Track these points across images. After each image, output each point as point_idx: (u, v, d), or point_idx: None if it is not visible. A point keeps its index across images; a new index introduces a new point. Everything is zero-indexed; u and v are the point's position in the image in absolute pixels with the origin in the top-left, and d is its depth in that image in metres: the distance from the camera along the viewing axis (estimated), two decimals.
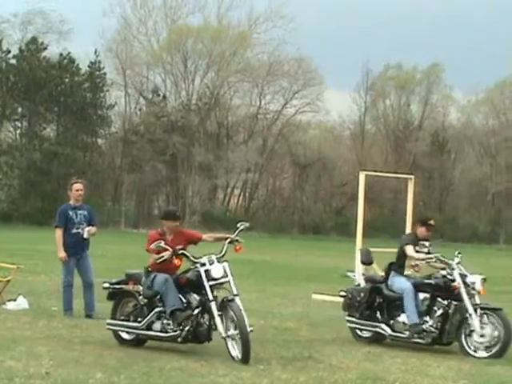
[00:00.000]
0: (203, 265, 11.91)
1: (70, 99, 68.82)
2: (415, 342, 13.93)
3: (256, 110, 74.48)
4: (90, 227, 16.68)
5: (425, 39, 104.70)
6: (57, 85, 69.03)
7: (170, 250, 12.18)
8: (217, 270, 11.82)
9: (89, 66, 70.36)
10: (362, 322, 14.62)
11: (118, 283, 13.15)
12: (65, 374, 10.47)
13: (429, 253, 14.53)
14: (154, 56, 73.12)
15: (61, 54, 69.24)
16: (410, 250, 14.29)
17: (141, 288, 12.76)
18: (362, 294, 14.54)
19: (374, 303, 14.50)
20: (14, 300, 17.61)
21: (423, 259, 14.35)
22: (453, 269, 13.64)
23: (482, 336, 13.16)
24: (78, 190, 16.63)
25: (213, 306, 11.78)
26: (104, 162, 71.71)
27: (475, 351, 13.17)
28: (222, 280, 11.85)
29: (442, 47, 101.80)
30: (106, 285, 13.14)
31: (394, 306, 14.26)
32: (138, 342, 12.73)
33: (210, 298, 11.81)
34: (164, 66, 72.87)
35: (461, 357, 13.20)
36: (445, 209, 71.84)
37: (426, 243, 14.62)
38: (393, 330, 14.06)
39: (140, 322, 12.56)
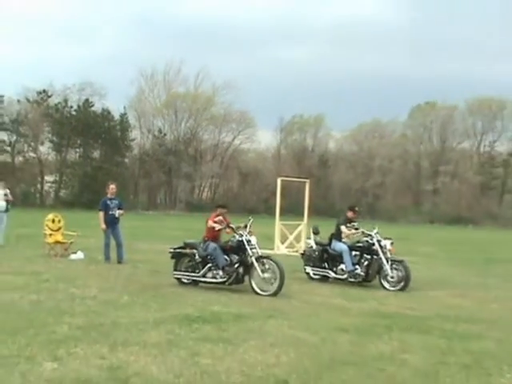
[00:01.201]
0: (241, 236, 13.75)
1: (108, 135, 73.45)
2: (350, 281, 15.57)
3: (217, 141, 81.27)
4: (120, 210, 18.36)
5: (313, 96, 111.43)
6: (100, 127, 73.15)
7: (225, 223, 14.10)
8: (253, 239, 13.69)
9: (120, 116, 75.53)
10: (315, 269, 16.30)
11: (178, 248, 14.58)
12: (105, 296, 12.00)
13: (356, 229, 16.21)
14: (158, 110, 79.86)
15: (102, 109, 74.21)
16: (343, 228, 16.06)
17: (195, 251, 14.20)
18: (316, 253, 16.31)
19: (323, 258, 16.28)
20: (75, 253, 19.03)
21: (353, 234, 16.14)
22: (372, 237, 15.47)
23: (392, 277, 15.04)
24: (112, 188, 18.57)
25: (253, 259, 13.39)
26: (128, 172, 75.87)
27: (389, 287, 15.03)
28: (254, 246, 13.64)
29: (326, 101, 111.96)
30: (171, 250, 14.61)
31: (335, 259, 16.02)
32: (194, 285, 14.17)
33: (251, 254, 13.45)
34: (163, 116, 79.87)
35: (341, 284, 15.42)
36: (327, 198, 78.21)
37: (355, 223, 16.36)
38: (335, 274, 15.90)
39: (197, 272, 14.05)
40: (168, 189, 79.83)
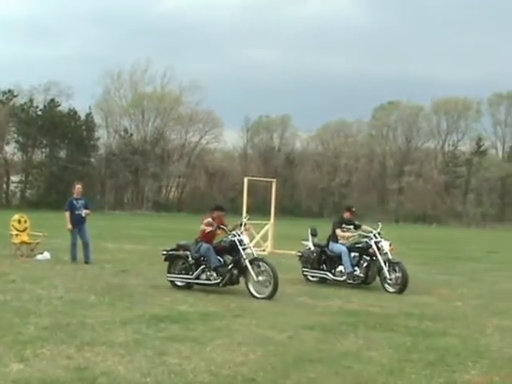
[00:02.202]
0: (234, 236, 13.55)
1: (74, 135, 73.47)
2: (349, 283, 15.29)
3: (183, 141, 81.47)
4: (86, 210, 18.21)
5: (279, 96, 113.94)
6: (66, 127, 73.27)
7: (215, 225, 13.84)
8: (245, 239, 13.54)
9: (86, 115, 75.63)
10: (313, 271, 16.07)
11: (171, 250, 14.33)
12: (72, 296, 11.95)
13: (358, 227, 16.12)
14: (124, 110, 80.00)
15: (69, 108, 74.42)
16: (338, 232, 15.86)
17: (188, 253, 13.90)
18: (314, 254, 16.02)
19: (321, 259, 15.99)
20: (41, 253, 18.87)
21: (349, 237, 15.94)
22: (371, 239, 15.14)
23: (390, 280, 14.77)
24: (78, 188, 18.40)
25: (247, 261, 13.15)
26: (95, 172, 76.03)
27: (389, 288, 14.75)
28: (247, 246, 13.47)
29: (292, 101, 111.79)
30: (164, 252, 14.39)
31: (333, 261, 15.71)
32: (188, 287, 13.85)
33: (244, 256, 13.22)
34: (130, 116, 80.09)
35: (308, 284, 15.48)
36: (293, 197, 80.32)
37: (350, 227, 16.10)
38: (334, 276, 15.61)
39: (191, 274, 13.72)
40: (135, 188, 79.84)
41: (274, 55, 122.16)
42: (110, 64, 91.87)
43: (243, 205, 25.80)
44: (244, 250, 13.44)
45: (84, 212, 18.15)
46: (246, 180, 26.80)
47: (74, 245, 18.14)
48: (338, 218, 16.39)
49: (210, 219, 13.94)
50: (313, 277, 16.21)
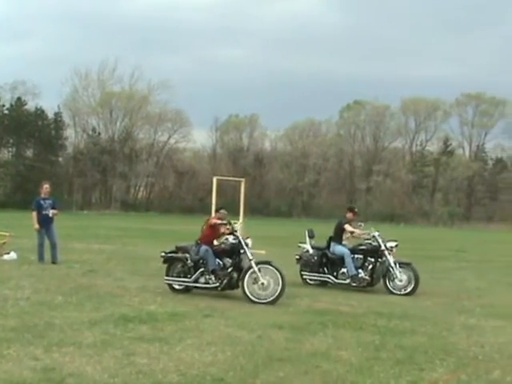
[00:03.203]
0: (237, 238, 13.17)
1: (41, 134, 72.74)
2: (353, 286, 15.02)
3: (152, 140, 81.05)
4: (53, 210, 17.98)
5: (248, 95, 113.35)
6: (33, 126, 72.58)
7: (226, 222, 13.62)
8: (249, 242, 13.13)
9: (54, 115, 74.97)
10: (313, 274, 15.68)
11: (170, 252, 13.90)
12: (39, 297, 11.80)
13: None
14: (93, 109, 79.17)
15: (36, 107, 73.56)
16: (349, 227, 15.52)
17: (187, 255, 13.51)
18: (316, 257, 15.65)
19: (322, 262, 15.63)
20: (8, 253, 18.66)
21: (359, 234, 15.66)
22: (376, 239, 15.05)
23: (400, 281, 14.58)
24: (45, 188, 18.18)
25: (253, 263, 12.72)
26: (62, 172, 75.39)
27: (396, 291, 14.59)
28: (250, 249, 12.97)
29: (261, 100, 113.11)
30: (163, 254, 13.93)
31: (335, 264, 15.41)
32: (186, 291, 13.53)
33: (250, 257, 12.78)
34: (98, 115, 79.21)
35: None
36: (262, 197, 79.50)
37: (359, 223, 16.02)
38: (337, 279, 15.28)
39: (189, 277, 13.33)
40: (103, 188, 79.49)
41: (243, 55, 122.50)
42: (79, 63, 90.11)
43: (212, 204, 25.46)
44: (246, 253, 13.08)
45: (51, 212, 17.93)
46: (214, 179, 26.85)
47: (41, 245, 17.96)
48: (342, 219, 15.94)
49: (219, 216, 13.85)
50: (312, 280, 15.85)
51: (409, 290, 14.55)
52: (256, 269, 12.70)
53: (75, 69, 79.71)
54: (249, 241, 13.18)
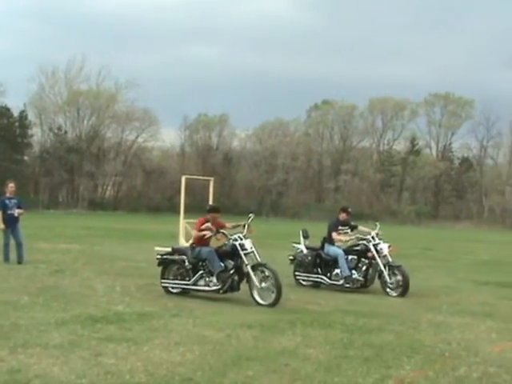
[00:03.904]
0: (236, 240, 12.63)
1: (7, 133, 71.46)
2: (346, 287, 14.89)
3: (120, 139, 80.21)
4: (19, 209, 17.86)
5: (218, 94, 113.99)
6: None
7: (215, 230, 12.89)
8: (247, 244, 12.56)
9: (19, 113, 73.88)
10: (306, 275, 15.52)
11: (165, 254, 13.59)
12: (5, 297, 11.65)
13: (354, 228, 15.78)
14: (59, 108, 78.36)
15: (0, 105, 72.30)
16: (335, 236, 15.35)
17: (184, 257, 13.09)
18: (309, 258, 15.48)
19: (316, 263, 15.46)
20: None
21: (346, 241, 15.45)
22: (369, 241, 14.82)
23: (391, 283, 14.44)
24: (11, 187, 17.99)
25: (248, 267, 12.42)
26: (28, 171, 74.41)
27: (389, 292, 14.46)
28: (250, 251, 12.53)
29: (231, 100, 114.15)
30: (158, 256, 13.58)
31: (328, 264, 15.26)
32: (183, 294, 13.15)
33: (246, 262, 12.44)
34: (65, 113, 78.38)
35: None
36: (231, 196, 79.01)
37: (346, 228, 15.62)
38: (330, 280, 15.15)
39: (188, 280, 12.96)
40: (70, 187, 78.65)
41: (212, 53, 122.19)
42: (45, 61, 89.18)
43: (181, 203, 25.77)
44: (246, 255, 12.64)
45: (17, 211, 17.78)
46: (183, 178, 26.89)
47: (6, 245, 17.77)
48: (334, 220, 15.83)
49: (208, 224, 13.04)
50: (306, 281, 15.67)
51: (400, 291, 14.41)
52: (251, 273, 12.46)
53: (42, 67, 78.83)
54: (247, 242, 12.74)
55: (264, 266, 12.56)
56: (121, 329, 9.58)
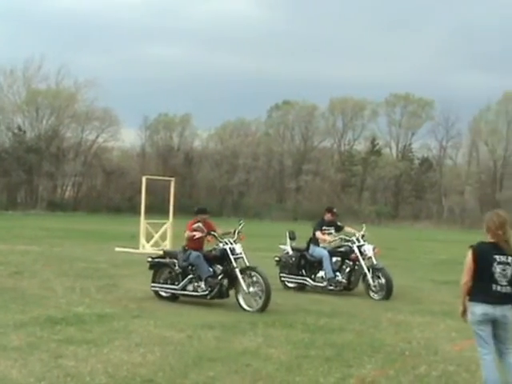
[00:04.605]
0: (226, 244, 12.44)
1: None
2: (330, 289, 14.63)
3: (80, 139, 79.22)
4: None
5: (179, 94, 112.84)
6: None
7: (206, 230, 12.64)
8: (238, 248, 12.39)
9: None
10: (291, 276, 15.27)
11: (157, 258, 13.45)
12: None
13: (339, 228, 15.52)
14: (18, 107, 77.23)
15: None
16: (318, 234, 15.05)
17: (175, 261, 12.89)
18: (294, 259, 15.26)
19: (300, 264, 15.22)
20: None
21: (330, 241, 15.16)
22: (353, 243, 14.61)
23: (374, 286, 14.24)
24: None
25: (237, 271, 12.16)
26: None
27: (372, 295, 14.25)
28: (240, 255, 12.36)
29: (192, 99, 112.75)
30: (149, 259, 13.42)
31: (313, 266, 15.03)
32: (173, 299, 12.93)
33: (235, 265, 12.20)
34: (24, 113, 77.29)
35: None
36: (192, 196, 77.54)
37: (331, 229, 15.36)
38: (314, 282, 14.90)
39: (177, 285, 12.74)
40: (29, 188, 77.62)
41: (173, 53, 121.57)
42: (3, 60, 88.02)
43: (141, 204, 25.63)
44: (236, 259, 12.42)
45: None
46: (144, 179, 26.74)
47: None
48: (319, 220, 15.58)
49: (199, 224, 12.75)
50: (291, 282, 15.44)
51: (383, 294, 14.22)
52: (240, 277, 12.20)
53: None
54: (238, 246, 12.54)
55: (253, 269, 12.33)
56: (81, 330, 9.53)
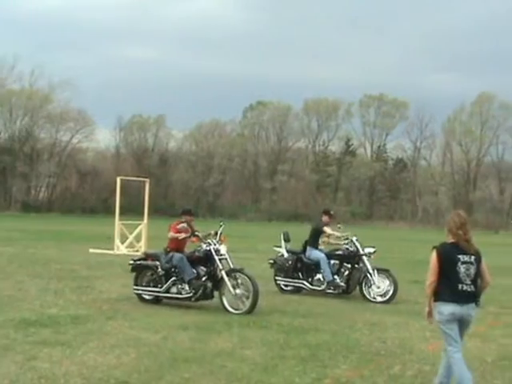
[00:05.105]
0: (210, 244, 12.27)
1: None
2: (328, 292, 14.52)
3: (54, 140, 78.72)
4: None
5: (154, 95, 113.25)
6: None
7: (190, 231, 12.54)
8: (223, 249, 12.25)
9: None
10: (287, 279, 15.04)
11: (139, 260, 13.19)
12: None
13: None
14: None
15: None
16: (328, 229, 14.92)
17: (157, 263, 12.64)
18: (290, 262, 15.01)
19: (297, 267, 15.00)
20: None
21: (339, 236, 15.02)
22: (354, 244, 14.51)
23: (378, 287, 14.06)
24: None
25: (223, 272, 11.98)
26: None
27: (374, 298, 14.07)
28: (224, 256, 12.22)
29: (167, 100, 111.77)
30: (131, 261, 13.12)
31: (310, 269, 14.83)
32: (156, 302, 12.73)
33: (220, 267, 12.03)
34: None
35: None
36: (167, 199, 78.23)
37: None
38: (311, 285, 14.73)
39: (160, 287, 12.50)
40: (2, 189, 76.90)
41: (148, 54, 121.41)
42: None
43: (116, 205, 25.52)
44: (221, 260, 12.24)
45: None
46: (118, 180, 26.66)
47: None
48: (318, 222, 15.38)
49: (184, 224, 12.57)
50: (287, 286, 15.22)
51: (387, 297, 14.00)
52: (226, 278, 12.02)
53: None
54: (223, 247, 12.37)
55: (240, 271, 12.17)
56: (55, 332, 9.46)
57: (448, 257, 6.69)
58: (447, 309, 6.69)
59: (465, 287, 6.68)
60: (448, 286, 6.69)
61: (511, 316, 12.97)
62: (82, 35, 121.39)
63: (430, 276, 6.70)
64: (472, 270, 6.70)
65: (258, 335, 9.82)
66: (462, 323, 6.80)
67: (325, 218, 15.25)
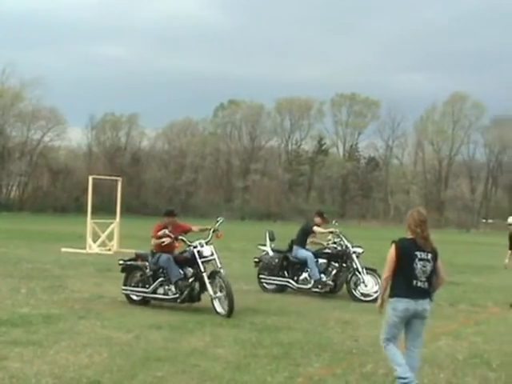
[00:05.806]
0: (195, 247, 12.00)
1: None
2: (315, 291, 14.44)
3: (25, 138, 78.16)
4: None
5: (126, 93, 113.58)
6: None
7: (172, 236, 12.18)
8: (206, 251, 11.96)
9: None
10: (272, 278, 14.98)
11: (129, 260, 12.95)
12: None
13: (331, 232, 15.07)
14: None
15: None
16: (319, 229, 14.99)
17: (147, 264, 12.51)
18: (276, 260, 14.95)
19: (283, 266, 14.94)
20: None
21: (325, 232, 15.10)
22: (344, 242, 14.60)
23: (366, 286, 14.09)
24: None
25: (204, 275, 11.78)
26: None
27: (361, 297, 14.09)
28: (210, 258, 11.96)
29: (140, 98, 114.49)
30: (121, 262, 12.95)
31: (296, 268, 14.78)
32: (145, 303, 12.57)
33: (202, 270, 11.82)
34: None
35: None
36: (139, 198, 78.10)
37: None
38: (297, 284, 14.69)
39: (147, 288, 12.37)
40: None
41: (121, 52, 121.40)
42: None
43: (88, 204, 25.44)
44: (205, 262, 11.99)
45: None
46: (90, 178, 26.49)
47: None
48: (308, 223, 15.42)
49: (165, 230, 12.27)
50: (270, 284, 15.14)
51: (375, 296, 13.64)
52: (207, 281, 11.78)
53: None
54: (207, 249, 12.08)
55: (217, 274, 11.95)
56: (26, 332, 9.38)
57: (406, 252, 6.81)
58: (402, 305, 6.81)
59: (419, 283, 6.80)
60: (403, 282, 6.80)
61: (482, 314, 13.10)
62: (53, 33, 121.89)
63: (387, 270, 6.84)
64: (428, 268, 6.82)
65: (230, 334, 9.82)
66: (418, 319, 6.91)
67: (317, 219, 15.22)
